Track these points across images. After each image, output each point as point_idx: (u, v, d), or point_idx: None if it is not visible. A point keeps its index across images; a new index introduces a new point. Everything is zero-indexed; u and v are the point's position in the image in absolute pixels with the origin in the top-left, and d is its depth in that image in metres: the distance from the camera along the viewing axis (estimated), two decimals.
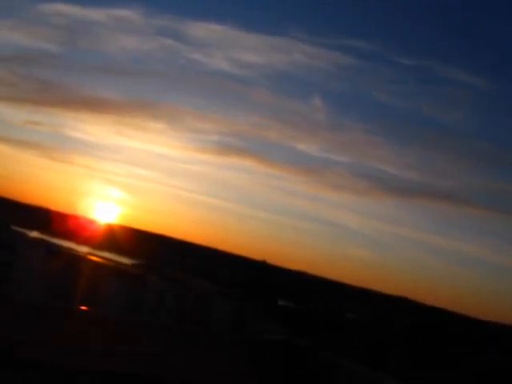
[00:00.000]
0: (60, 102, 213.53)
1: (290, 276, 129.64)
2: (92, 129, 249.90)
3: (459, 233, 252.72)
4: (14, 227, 46.09)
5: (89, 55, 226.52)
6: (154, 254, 76.24)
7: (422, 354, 54.34)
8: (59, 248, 38.74)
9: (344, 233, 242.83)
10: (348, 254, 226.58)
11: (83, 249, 66.18)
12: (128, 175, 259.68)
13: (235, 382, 13.16)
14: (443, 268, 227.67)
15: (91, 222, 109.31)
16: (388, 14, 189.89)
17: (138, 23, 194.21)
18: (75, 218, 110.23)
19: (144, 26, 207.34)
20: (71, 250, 49.25)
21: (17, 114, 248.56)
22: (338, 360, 11.40)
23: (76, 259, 43.55)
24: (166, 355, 13.80)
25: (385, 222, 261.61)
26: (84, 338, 14.25)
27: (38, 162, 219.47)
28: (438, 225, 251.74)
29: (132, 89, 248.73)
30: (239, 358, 13.21)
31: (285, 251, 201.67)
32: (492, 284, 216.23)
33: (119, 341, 14.00)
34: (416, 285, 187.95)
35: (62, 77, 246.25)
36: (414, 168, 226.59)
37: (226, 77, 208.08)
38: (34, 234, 54.78)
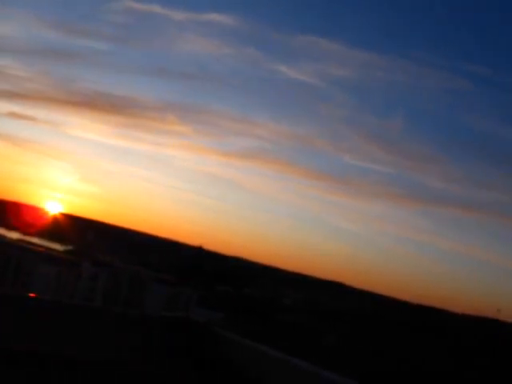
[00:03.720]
0: (72, 100, 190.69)
1: (230, 263, 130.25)
2: (92, 128, 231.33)
3: (496, 244, 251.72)
4: None
5: (143, 56, 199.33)
6: (86, 241, 75.17)
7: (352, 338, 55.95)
8: None
9: (350, 237, 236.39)
10: (355, 255, 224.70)
11: (13, 235, 64.48)
12: (111, 172, 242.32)
13: (140, 361, 13.12)
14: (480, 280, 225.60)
15: (32, 210, 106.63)
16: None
17: (224, 29, 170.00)
18: (14, 205, 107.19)
19: (229, 33, 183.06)
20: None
21: (6, 107, 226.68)
22: (236, 338, 11.54)
23: (4, 245, 42.43)
24: (89, 337, 13.53)
25: (397, 226, 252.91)
26: (11, 322, 13.87)
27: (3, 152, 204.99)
28: (471, 234, 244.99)
29: (174, 92, 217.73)
30: (145, 337, 13.18)
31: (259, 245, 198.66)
32: None
33: (49, 324, 13.67)
34: (444, 293, 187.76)
35: (95, 75, 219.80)
36: (461, 182, 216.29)
37: (299, 87, 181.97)
38: None
